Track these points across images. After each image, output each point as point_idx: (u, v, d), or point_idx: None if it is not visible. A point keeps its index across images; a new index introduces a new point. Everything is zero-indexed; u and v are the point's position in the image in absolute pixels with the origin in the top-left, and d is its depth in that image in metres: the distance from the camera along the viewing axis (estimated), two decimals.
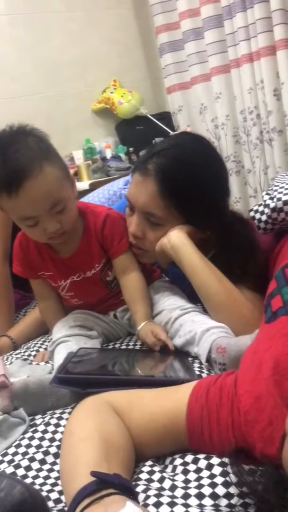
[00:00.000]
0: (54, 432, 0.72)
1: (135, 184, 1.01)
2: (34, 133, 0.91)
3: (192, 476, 0.56)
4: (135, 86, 2.75)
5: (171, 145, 1.01)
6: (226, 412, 0.58)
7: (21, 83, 2.47)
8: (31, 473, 0.65)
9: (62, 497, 0.59)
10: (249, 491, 0.50)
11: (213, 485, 0.53)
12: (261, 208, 0.97)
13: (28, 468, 0.65)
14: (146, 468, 0.59)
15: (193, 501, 0.52)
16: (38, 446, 0.69)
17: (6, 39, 2.43)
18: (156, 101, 2.89)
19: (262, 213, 0.97)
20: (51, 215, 0.90)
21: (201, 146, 1.04)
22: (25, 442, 0.71)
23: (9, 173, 0.85)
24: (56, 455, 0.67)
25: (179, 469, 0.58)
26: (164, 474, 0.58)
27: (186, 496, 0.53)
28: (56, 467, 0.65)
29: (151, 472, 0.58)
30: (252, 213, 1.00)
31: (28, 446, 0.70)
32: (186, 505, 0.51)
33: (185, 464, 0.59)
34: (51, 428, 0.73)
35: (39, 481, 0.63)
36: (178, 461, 0.60)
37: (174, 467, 0.59)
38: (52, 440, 0.70)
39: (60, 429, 0.72)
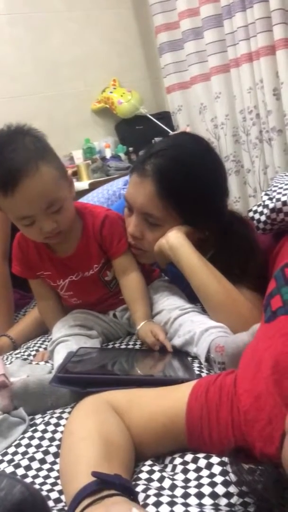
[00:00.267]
0: (54, 432, 0.72)
1: (133, 184, 1.01)
2: (32, 133, 0.92)
3: (191, 475, 0.56)
4: (135, 85, 2.74)
5: (169, 145, 1.01)
6: (226, 411, 0.58)
7: (21, 83, 2.47)
8: (31, 473, 0.65)
9: (62, 497, 0.59)
10: (249, 490, 0.50)
11: (212, 484, 0.54)
12: (260, 209, 0.97)
13: (28, 468, 0.65)
14: (146, 468, 0.60)
15: (192, 500, 0.52)
16: (38, 446, 0.69)
17: (6, 39, 2.42)
18: (156, 100, 2.89)
19: (261, 213, 0.97)
20: (47, 215, 0.90)
21: (200, 147, 1.04)
22: (25, 441, 0.71)
23: (4, 172, 0.85)
24: (56, 455, 0.67)
25: (179, 468, 0.58)
26: (164, 474, 0.58)
27: (185, 495, 0.53)
28: (56, 467, 0.65)
29: (151, 472, 0.58)
30: (251, 214, 1.00)
31: (28, 445, 0.70)
32: (186, 505, 0.51)
33: (184, 463, 0.59)
34: (51, 428, 0.73)
35: (39, 480, 0.63)
36: (178, 460, 0.60)
37: (174, 467, 0.59)
38: (52, 439, 0.70)
39: (60, 428, 0.72)
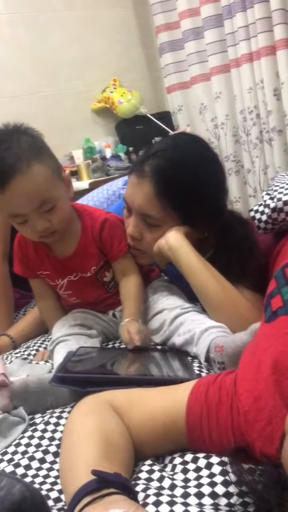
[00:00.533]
0: (54, 431, 0.72)
1: (131, 185, 1.01)
2: (28, 132, 0.92)
3: (191, 475, 0.56)
4: (135, 85, 2.74)
5: (167, 146, 1.01)
6: (226, 411, 0.58)
7: (21, 83, 2.47)
8: (31, 472, 0.65)
9: (62, 496, 0.59)
10: (249, 490, 0.50)
11: (212, 484, 0.53)
12: (261, 208, 0.97)
13: (27, 467, 0.65)
14: (145, 467, 0.60)
15: (192, 500, 0.52)
16: (38, 445, 0.69)
17: (6, 39, 2.42)
18: (156, 100, 2.89)
19: (262, 213, 0.97)
20: (40, 214, 0.90)
21: (198, 147, 1.04)
22: (24, 441, 0.71)
23: None
24: (56, 454, 0.67)
25: (179, 468, 0.58)
26: (164, 473, 0.58)
27: (185, 495, 0.53)
28: (56, 466, 0.65)
29: (150, 471, 0.58)
30: (252, 213, 1.00)
31: (28, 445, 0.70)
32: (186, 504, 0.51)
33: (184, 463, 0.59)
34: (50, 427, 0.73)
35: (38, 480, 0.63)
36: (178, 460, 0.60)
37: (174, 466, 0.59)
38: (51, 439, 0.70)
39: (60, 428, 0.72)
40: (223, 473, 0.54)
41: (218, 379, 0.62)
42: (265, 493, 0.47)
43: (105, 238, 1.03)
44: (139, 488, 0.55)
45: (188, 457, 0.59)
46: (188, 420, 0.60)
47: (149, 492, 0.53)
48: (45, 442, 0.70)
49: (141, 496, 0.53)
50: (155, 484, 0.56)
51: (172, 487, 0.55)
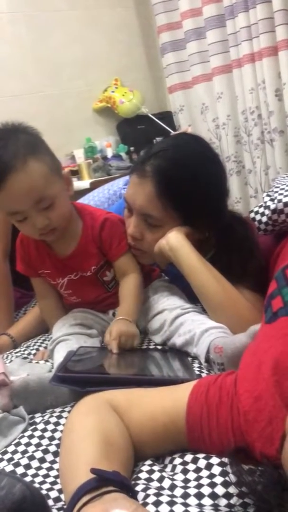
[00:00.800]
0: (54, 431, 0.72)
1: (132, 185, 1.01)
2: (26, 130, 0.93)
3: (191, 475, 0.56)
4: (137, 85, 2.75)
5: (169, 146, 1.01)
6: (226, 412, 0.58)
7: (22, 82, 2.47)
8: (31, 472, 0.65)
9: (62, 496, 0.59)
10: (249, 491, 0.50)
11: (212, 484, 0.53)
12: (261, 210, 0.97)
13: (27, 467, 0.65)
14: (145, 468, 0.60)
15: (192, 500, 0.52)
16: (38, 445, 0.69)
17: (8, 38, 2.43)
18: (158, 100, 2.89)
19: (262, 214, 0.97)
20: (38, 211, 0.91)
21: (199, 147, 1.04)
22: (24, 440, 0.71)
23: None
24: (56, 454, 0.67)
25: (179, 468, 0.58)
26: (164, 474, 0.58)
27: (185, 495, 0.53)
28: (56, 466, 0.65)
29: (150, 472, 0.58)
30: (252, 214, 1.00)
31: (28, 444, 0.70)
32: (186, 505, 0.51)
33: (184, 463, 0.59)
34: (50, 427, 0.73)
35: (38, 479, 0.63)
36: (178, 460, 0.60)
37: (174, 467, 0.59)
38: (51, 438, 0.70)
39: (60, 427, 0.72)
40: (223, 473, 0.54)
41: (219, 379, 0.62)
42: (265, 494, 0.47)
43: (105, 238, 1.03)
44: (139, 488, 0.55)
45: (188, 457, 0.59)
46: (188, 420, 0.60)
47: (149, 492, 0.53)
48: (45, 442, 0.70)
49: (141, 496, 0.53)
50: (155, 484, 0.56)
51: (172, 487, 0.55)
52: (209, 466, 0.56)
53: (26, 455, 0.67)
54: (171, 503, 0.51)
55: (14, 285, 1.37)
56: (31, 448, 0.69)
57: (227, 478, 0.53)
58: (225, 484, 0.53)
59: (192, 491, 0.54)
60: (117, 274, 1.07)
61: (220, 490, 0.53)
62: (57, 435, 0.71)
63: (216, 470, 0.55)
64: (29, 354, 1.07)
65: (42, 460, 0.66)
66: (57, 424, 0.73)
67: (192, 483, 0.55)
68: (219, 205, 1.04)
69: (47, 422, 0.74)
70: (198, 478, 0.55)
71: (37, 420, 0.76)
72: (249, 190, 2.37)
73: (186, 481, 0.56)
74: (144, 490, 0.54)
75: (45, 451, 0.68)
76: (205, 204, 0.99)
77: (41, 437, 0.71)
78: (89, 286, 1.06)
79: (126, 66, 2.78)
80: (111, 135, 2.75)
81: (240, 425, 0.56)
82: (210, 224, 1.02)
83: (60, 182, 0.94)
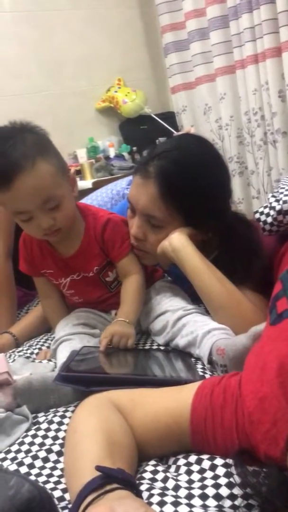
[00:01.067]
0: (57, 430, 0.72)
1: (136, 186, 1.01)
2: (34, 130, 0.93)
3: (195, 476, 0.56)
4: (140, 85, 2.75)
5: (172, 147, 1.01)
6: (230, 413, 0.58)
7: (25, 81, 2.47)
8: (34, 471, 0.65)
9: (65, 495, 0.59)
10: (253, 493, 0.50)
11: (217, 485, 0.53)
12: (266, 210, 0.97)
13: (31, 466, 0.65)
14: (149, 468, 0.60)
15: (196, 501, 0.52)
16: (41, 444, 0.69)
17: (11, 37, 2.43)
18: (160, 100, 2.90)
19: (267, 215, 0.97)
20: (44, 211, 0.91)
21: (203, 148, 1.04)
22: (28, 439, 0.71)
23: (1, 167, 0.86)
24: (59, 453, 0.67)
25: (183, 469, 0.59)
26: (168, 474, 0.58)
27: (189, 496, 0.53)
28: (59, 465, 0.65)
29: (154, 472, 0.58)
30: (257, 215, 1.00)
31: (31, 444, 0.70)
32: (190, 505, 0.51)
33: (188, 464, 0.59)
34: (54, 426, 0.73)
35: (42, 479, 0.63)
36: (182, 461, 0.60)
37: (178, 467, 0.59)
38: (55, 438, 0.70)
39: (63, 427, 0.72)
40: (228, 475, 0.54)
41: (223, 380, 0.62)
42: (270, 496, 0.47)
43: (107, 239, 1.03)
44: (143, 487, 0.55)
45: (192, 458, 0.59)
46: (193, 422, 0.60)
47: (153, 491, 0.54)
48: (48, 441, 0.70)
49: (145, 495, 0.53)
50: (159, 484, 0.56)
51: (176, 488, 0.55)
52: (213, 467, 0.56)
53: (30, 454, 0.68)
54: (176, 504, 0.51)
55: (17, 284, 1.37)
56: (34, 448, 0.69)
57: (231, 479, 0.53)
58: (230, 485, 0.53)
59: (196, 492, 0.54)
60: (119, 275, 1.07)
61: (224, 491, 0.53)
62: (60, 434, 0.71)
63: (221, 471, 0.55)
64: (31, 353, 1.07)
65: (45, 460, 0.67)
66: (60, 423, 0.73)
67: (197, 484, 0.55)
68: (222, 206, 1.04)
69: (50, 422, 0.74)
70: (203, 479, 0.55)
71: (41, 419, 0.76)
72: (252, 191, 2.37)
73: (190, 482, 0.56)
74: (148, 489, 0.54)
75: (49, 451, 0.68)
76: (208, 205, 0.98)
77: (45, 437, 0.71)
78: (91, 286, 1.07)
79: (129, 66, 2.79)
80: (114, 135, 2.76)
81: (244, 427, 0.56)
82: (213, 225, 1.02)
83: (66, 183, 0.95)
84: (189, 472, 0.57)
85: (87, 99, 2.68)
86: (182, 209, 0.98)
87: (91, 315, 1.08)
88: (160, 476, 0.57)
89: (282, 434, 0.51)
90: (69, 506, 0.55)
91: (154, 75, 2.90)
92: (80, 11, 2.62)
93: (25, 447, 0.69)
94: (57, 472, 0.64)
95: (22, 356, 1.05)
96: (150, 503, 0.52)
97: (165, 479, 0.57)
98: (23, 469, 0.65)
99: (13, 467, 0.65)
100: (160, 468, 0.59)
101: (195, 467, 0.58)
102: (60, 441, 0.70)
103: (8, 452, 0.69)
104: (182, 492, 0.54)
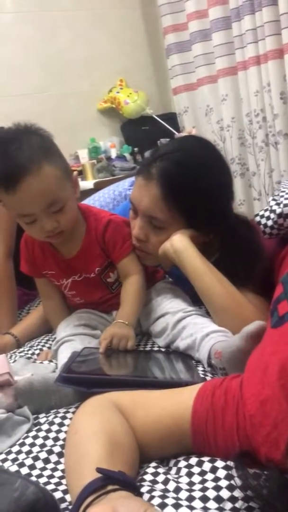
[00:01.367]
0: (58, 432, 0.72)
1: (138, 187, 1.01)
2: (38, 132, 0.93)
3: (196, 478, 0.56)
4: (141, 86, 2.75)
5: (174, 148, 1.01)
6: (231, 415, 0.58)
7: (28, 81, 2.48)
8: (35, 472, 0.65)
9: (66, 496, 0.59)
10: (254, 495, 0.50)
11: (217, 488, 0.54)
12: (267, 213, 0.97)
13: (32, 467, 0.65)
14: (150, 470, 0.60)
15: (197, 503, 0.52)
16: (42, 445, 0.69)
17: (13, 37, 2.43)
18: (162, 101, 2.90)
19: (268, 218, 0.97)
20: (49, 214, 0.91)
21: (205, 150, 1.04)
22: (29, 440, 0.71)
23: (7, 169, 0.86)
24: (60, 455, 0.67)
25: (184, 471, 0.59)
26: (169, 476, 0.58)
27: (190, 498, 0.53)
28: (60, 467, 0.65)
29: (155, 474, 0.59)
30: (258, 218, 1.00)
31: (32, 445, 0.70)
32: (191, 508, 0.51)
33: (189, 466, 0.59)
34: (55, 428, 0.73)
35: (43, 480, 0.63)
36: (183, 463, 0.60)
37: (179, 469, 0.60)
38: (56, 439, 0.70)
39: (64, 428, 0.72)
40: (228, 477, 0.54)
41: (224, 383, 0.63)
42: (271, 498, 0.47)
43: (108, 240, 1.03)
44: (144, 489, 0.55)
45: (193, 460, 0.59)
46: (194, 424, 0.60)
47: (154, 494, 0.54)
48: (49, 442, 0.70)
49: (146, 497, 0.53)
50: (159, 486, 0.56)
51: (177, 490, 0.55)
52: (214, 470, 0.56)
53: (31, 455, 0.68)
54: (176, 506, 0.51)
55: (17, 284, 1.37)
56: (35, 449, 0.69)
57: (232, 482, 0.53)
58: (230, 487, 0.53)
59: (197, 494, 0.54)
60: (120, 276, 1.07)
61: (225, 493, 0.53)
62: (61, 435, 0.71)
63: (221, 473, 0.55)
64: (32, 354, 1.07)
65: (46, 461, 0.67)
66: (61, 424, 0.73)
67: (197, 486, 0.55)
68: (224, 208, 1.04)
69: (51, 423, 0.74)
70: (203, 481, 0.56)
71: (42, 420, 0.76)
72: (253, 192, 2.37)
73: (191, 484, 0.56)
74: (149, 492, 0.54)
75: (50, 452, 0.68)
76: (210, 207, 0.99)
77: (46, 438, 0.71)
78: (93, 287, 1.07)
79: (131, 67, 2.79)
80: (115, 136, 2.76)
81: (245, 429, 0.56)
82: (215, 227, 1.02)
83: (70, 185, 0.95)
84: (190, 474, 0.57)
85: (89, 100, 2.68)
86: (184, 210, 0.98)
87: (92, 316, 1.08)
88: (161, 478, 0.57)
89: (283, 437, 0.51)
90: (70, 507, 0.55)
91: (156, 76, 2.90)
92: (82, 12, 2.63)
93: (26, 448, 0.69)
94: (58, 473, 0.64)
95: (23, 356, 1.05)
96: (151, 505, 0.52)
97: (166, 481, 0.57)
98: (24, 470, 0.65)
99: (14, 468, 0.66)
100: (161, 470, 0.59)
101: (196, 469, 0.58)
102: (61, 442, 0.70)
103: (9, 453, 0.69)
104: (183, 494, 0.54)
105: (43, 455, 0.67)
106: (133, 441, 0.62)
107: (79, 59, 2.62)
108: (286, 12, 1.89)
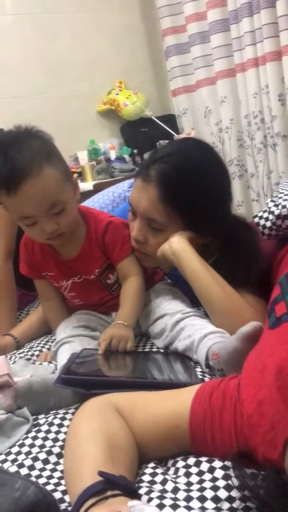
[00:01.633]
0: (57, 432, 0.72)
1: (137, 189, 1.01)
2: (39, 135, 0.93)
3: (194, 478, 0.57)
4: (141, 88, 2.75)
5: (173, 151, 1.02)
6: (229, 416, 0.58)
7: (27, 83, 2.48)
8: (34, 473, 0.65)
9: (65, 497, 0.59)
10: (251, 495, 0.50)
11: (215, 488, 0.54)
12: (265, 215, 0.98)
13: (31, 468, 0.66)
14: (148, 470, 0.60)
15: (195, 503, 0.53)
16: (42, 446, 0.70)
17: (13, 39, 2.44)
18: (161, 103, 2.90)
19: (266, 219, 0.98)
20: (49, 216, 0.91)
21: (204, 152, 1.04)
22: (28, 441, 0.71)
23: (8, 172, 0.86)
24: (59, 455, 0.68)
25: (181, 471, 0.59)
26: (167, 477, 0.58)
27: (188, 498, 0.53)
28: (59, 467, 0.66)
29: (153, 474, 0.59)
30: (256, 219, 1.00)
31: (32, 445, 0.70)
32: (189, 508, 0.52)
33: (187, 466, 0.59)
34: (54, 428, 0.73)
35: (42, 480, 0.63)
36: (181, 463, 0.60)
37: (177, 470, 0.60)
38: (55, 440, 0.71)
39: (63, 429, 0.73)
40: (226, 477, 0.55)
41: (222, 383, 0.63)
42: (268, 498, 0.47)
43: (107, 241, 1.03)
44: (142, 491, 0.55)
45: (191, 460, 0.60)
46: (192, 424, 0.60)
47: (152, 495, 0.54)
48: (48, 443, 0.70)
49: (144, 498, 0.54)
50: (158, 487, 0.56)
51: (175, 490, 0.55)
52: (211, 470, 0.57)
53: (30, 456, 0.68)
54: (174, 506, 0.52)
55: (16, 285, 1.37)
56: (34, 450, 0.69)
57: (229, 482, 0.54)
58: (228, 487, 0.53)
59: (195, 494, 0.54)
60: (119, 277, 1.07)
61: (222, 493, 0.53)
62: (60, 436, 0.71)
63: (219, 473, 0.56)
64: (32, 355, 1.08)
65: (45, 462, 0.67)
66: (60, 425, 0.74)
67: (195, 486, 0.55)
68: (223, 210, 1.04)
69: (50, 424, 0.74)
70: (201, 481, 0.56)
71: (41, 421, 0.77)
72: (251, 193, 2.38)
73: (189, 484, 0.56)
74: (148, 493, 0.54)
75: (49, 453, 0.68)
76: (208, 209, 0.99)
77: (45, 439, 0.71)
78: (92, 288, 1.07)
79: (130, 68, 2.79)
80: (115, 137, 2.76)
81: (243, 429, 0.57)
82: (213, 229, 1.02)
83: (70, 188, 0.95)
84: (187, 475, 0.58)
85: (88, 102, 2.68)
86: (182, 212, 0.98)
87: (91, 317, 1.08)
88: (159, 478, 0.58)
89: (280, 438, 0.52)
90: (69, 508, 0.55)
91: (155, 78, 2.90)
92: (82, 14, 2.63)
93: (25, 449, 0.70)
94: (57, 474, 0.64)
95: (22, 358, 1.05)
96: None
97: (164, 482, 0.57)
98: (23, 471, 0.65)
99: (13, 468, 0.66)
100: (159, 470, 0.60)
101: (194, 470, 0.58)
102: (60, 443, 0.70)
103: (9, 454, 0.70)
104: (181, 495, 0.54)
105: (42, 456, 0.68)
106: (132, 443, 0.62)
107: (79, 61, 2.63)
108: (284, 14, 1.90)
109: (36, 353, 1.09)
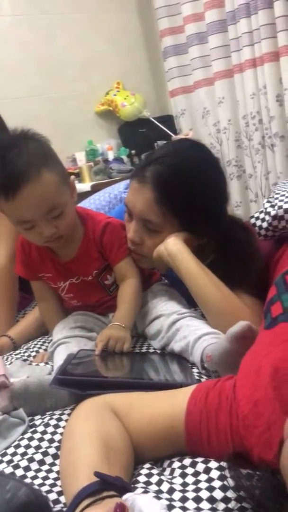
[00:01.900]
0: (53, 433, 0.72)
1: (132, 190, 1.01)
2: (36, 137, 0.92)
3: (190, 479, 0.57)
4: (138, 88, 2.76)
5: (169, 152, 1.02)
6: (225, 416, 0.58)
7: (25, 84, 2.48)
8: (30, 474, 0.65)
9: (61, 498, 0.59)
10: (247, 496, 0.50)
11: (210, 488, 0.54)
12: (262, 216, 0.98)
13: (27, 469, 0.66)
14: (144, 471, 0.60)
15: (190, 504, 0.53)
16: (37, 447, 0.70)
17: (11, 40, 2.44)
18: (159, 104, 2.91)
19: (263, 220, 0.98)
20: (48, 220, 0.91)
21: (200, 153, 1.04)
22: (24, 442, 0.71)
23: (6, 176, 0.86)
24: (55, 456, 0.68)
25: (177, 472, 0.59)
26: (162, 477, 0.58)
27: (183, 499, 0.53)
28: (55, 468, 0.65)
29: (149, 475, 0.59)
30: (253, 220, 1.00)
31: (27, 446, 0.70)
32: (184, 508, 0.52)
33: (183, 467, 0.59)
34: (50, 429, 0.73)
35: (37, 481, 0.63)
36: (176, 464, 0.60)
37: (172, 470, 0.60)
38: (51, 441, 0.71)
39: (59, 430, 0.73)
40: (221, 478, 0.55)
41: (218, 384, 0.63)
42: (263, 499, 0.47)
43: (105, 242, 1.03)
44: (138, 491, 0.55)
45: (187, 461, 0.60)
46: (187, 425, 0.60)
47: (148, 495, 0.54)
48: (44, 444, 0.70)
49: (138, 491, 0.54)
50: (153, 487, 0.56)
51: (171, 491, 0.55)
52: (207, 470, 0.57)
53: (26, 457, 0.68)
54: (170, 507, 0.52)
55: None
56: (30, 450, 0.69)
57: (225, 482, 0.54)
58: (223, 488, 0.53)
59: (190, 494, 0.54)
60: (117, 278, 1.07)
61: (218, 494, 0.53)
62: (56, 437, 0.71)
63: (215, 474, 0.56)
64: (29, 356, 1.08)
65: (41, 463, 0.67)
66: (56, 426, 0.74)
67: (191, 487, 0.55)
68: (218, 211, 1.04)
69: (47, 425, 0.74)
70: (197, 482, 0.56)
71: (37, 422, 0.76)
72: (250, 194, 2.38)
73: (185, 484, 0.56)
74: (143, 493, 0.54)
75: (45, 453, 0.68)
76: (204, 210, 0.99)
77: (41, 440, 0.71)
78: (90, 289, 1.07)
79: (128, 69, 2.80)
80: (113, 138, 2.76)
81: (238, 430, 0.57)
82: (209, 230, 1.02)
83: (68, 190, 0.95)
84: (183, 475, 0.58)
85: (86, 102, 2.68)
86: (178, 214, 0.98)
87: (88, 318, 1.08)
88: (154, 479, 0.58)
89: (276, 438, 0.52)
90: (64, 509, 0.55)
91: (153, 78, 2.91)
92: (79, 15, 2.64)
93: (21, 450, 0.69)
94: (52, 475, 0.64)
95: (19, 358, 1.05)
96: None
97: (159, 482, 0.57)
98: (19, 472, 0.65)
99: (9, 469, 0.66)
100: (154, 471, 0.60)
101: (190, 470, 0.58)
102: (56, 444, 0.70)
103: (4, 454, 0.69)
104: (177, 495, 0.54)
105: (38, 456, 0.68)
106: (128, 444, 0.62)
107: (76, 62, 2.63)
108: (281, 15, 1.90)
109: (33, 354, 1.09)
